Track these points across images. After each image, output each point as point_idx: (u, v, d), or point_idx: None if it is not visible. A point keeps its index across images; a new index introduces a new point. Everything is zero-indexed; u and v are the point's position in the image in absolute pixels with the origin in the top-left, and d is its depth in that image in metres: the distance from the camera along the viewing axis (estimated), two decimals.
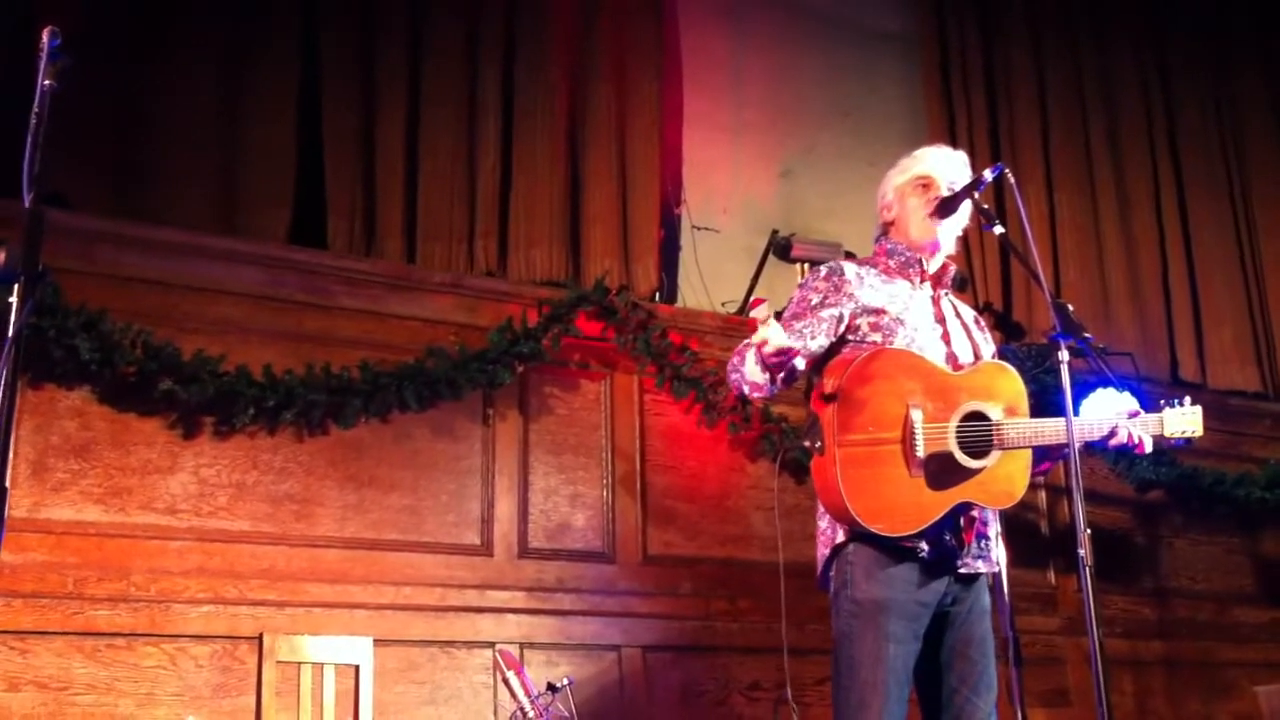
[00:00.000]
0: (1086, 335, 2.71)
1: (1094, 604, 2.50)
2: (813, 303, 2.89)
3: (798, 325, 2.85)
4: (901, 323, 2.86)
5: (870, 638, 2.68)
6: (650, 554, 4.74)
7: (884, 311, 2.85)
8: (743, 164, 6.09)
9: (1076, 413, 2.78)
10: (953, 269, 3.05)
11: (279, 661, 3.76)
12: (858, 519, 2.65)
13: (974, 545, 2.81)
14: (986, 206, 2.92)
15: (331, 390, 4.21)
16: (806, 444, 2.74)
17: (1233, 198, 6.76)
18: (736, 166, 6.07)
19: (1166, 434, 2.97)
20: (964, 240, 3.40)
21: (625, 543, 4.71)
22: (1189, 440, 3.00)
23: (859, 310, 2.86)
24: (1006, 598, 2.98)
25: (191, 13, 4.59)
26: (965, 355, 2.92)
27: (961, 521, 2.79)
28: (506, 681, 3.49)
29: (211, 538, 4.00)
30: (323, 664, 3.80)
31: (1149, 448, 2.94)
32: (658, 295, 5.24)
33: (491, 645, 4.28)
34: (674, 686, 4.61)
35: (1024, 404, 2.86)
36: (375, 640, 3.98)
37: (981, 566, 2.83)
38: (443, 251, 4.86)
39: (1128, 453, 3.05)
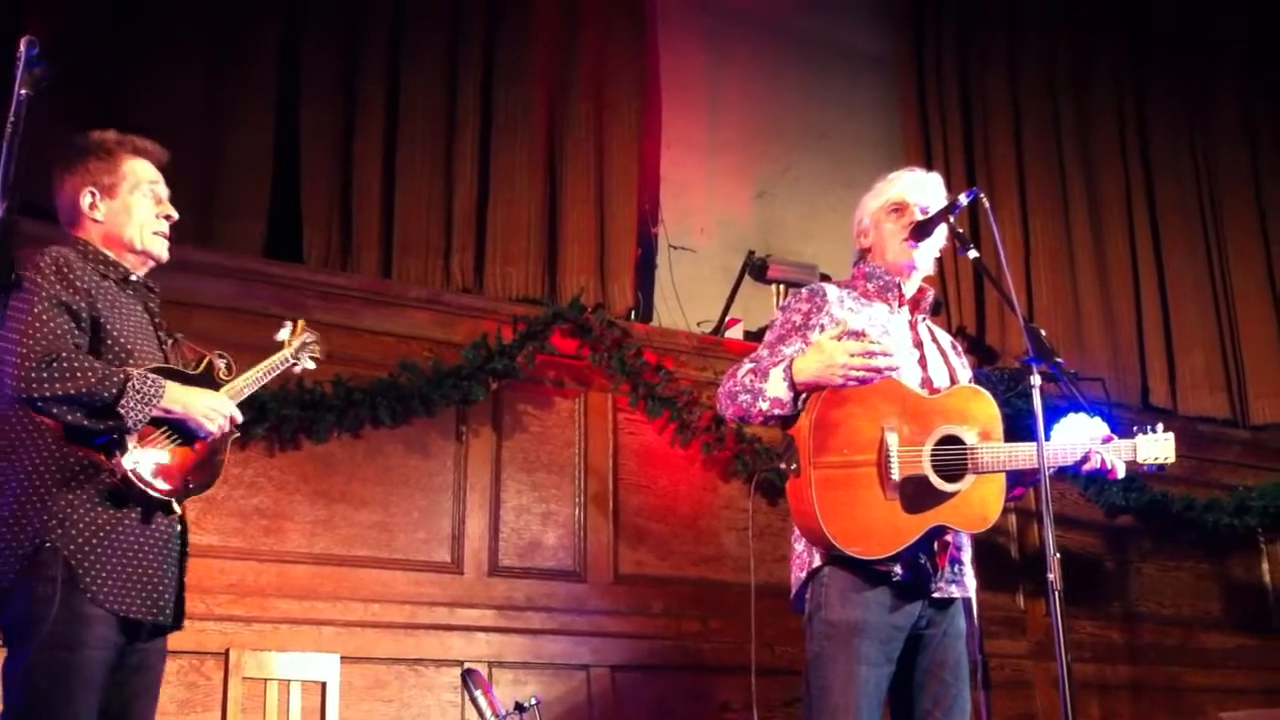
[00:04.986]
0: (1059, 360, 2.72)
1: (1063, 628, 2.50)
2: (796, 323, 2.90)
3: (784, 347, 2.86)
4: None
5: (842, 660, 2.68)
6: (622, 573, 4.73)
7: (863, 335, 2.86)
8: (719, 184, 6.11)
9: (1048, 437, 2.79)
10: (930, 294, 3.06)
11: (245, 678, 3.73)
12: (833, 542, 2.65)
13: (948, 569, 2.81)
14: (961, 231, 2.94)
15: (304, 405, 4.18)
16: (782, 466, 2.74)
17: (1205, 225, 6.82)
18: (713, 187, 6.09)
19: (1139, 460, 2.99)
20: (938, 264, 3.41)
21: (597, 562, 4.69)
22: (1161, 467, 3.02)
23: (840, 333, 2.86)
24: (976, 621, 2.98)
25: (172, 23, 4.56)
26: (941, 380, 2.93)
27: (936, 545, 2.79)
28: (474, 700, 3.47)
29: None
30: (289, 681, 3.78)
31: (1121, 473, 2.96)
32: (633, 314, 5.24)
33: (460, 664, 4.25)
34: (644, 706, 4.59)
35: (998, 428, 2.86)
36: (343, 657, 3.95)
37: (955, 591, 2.83)
38: (418, 266, 4.84)
39: (1099, 478, 3.06)
